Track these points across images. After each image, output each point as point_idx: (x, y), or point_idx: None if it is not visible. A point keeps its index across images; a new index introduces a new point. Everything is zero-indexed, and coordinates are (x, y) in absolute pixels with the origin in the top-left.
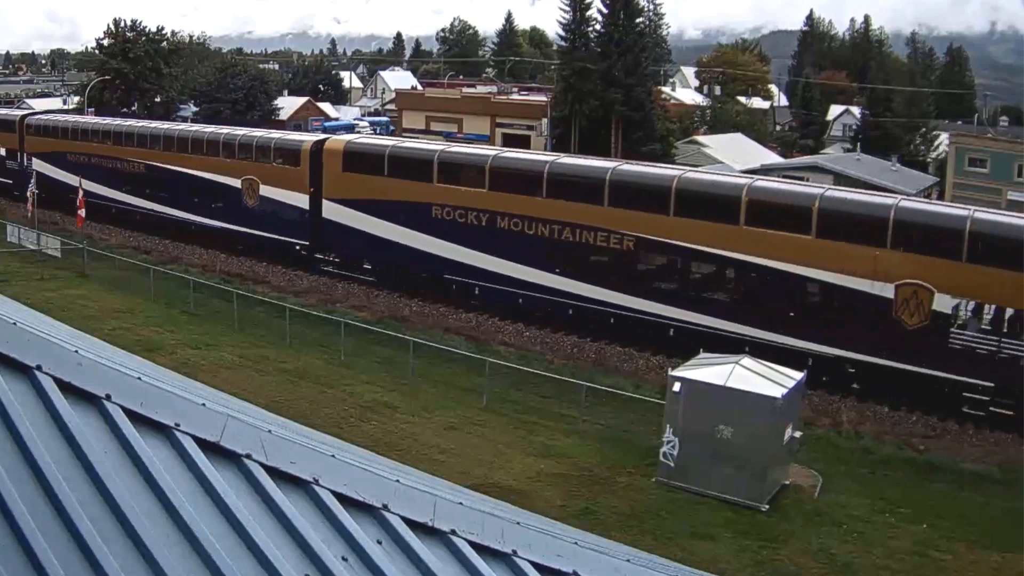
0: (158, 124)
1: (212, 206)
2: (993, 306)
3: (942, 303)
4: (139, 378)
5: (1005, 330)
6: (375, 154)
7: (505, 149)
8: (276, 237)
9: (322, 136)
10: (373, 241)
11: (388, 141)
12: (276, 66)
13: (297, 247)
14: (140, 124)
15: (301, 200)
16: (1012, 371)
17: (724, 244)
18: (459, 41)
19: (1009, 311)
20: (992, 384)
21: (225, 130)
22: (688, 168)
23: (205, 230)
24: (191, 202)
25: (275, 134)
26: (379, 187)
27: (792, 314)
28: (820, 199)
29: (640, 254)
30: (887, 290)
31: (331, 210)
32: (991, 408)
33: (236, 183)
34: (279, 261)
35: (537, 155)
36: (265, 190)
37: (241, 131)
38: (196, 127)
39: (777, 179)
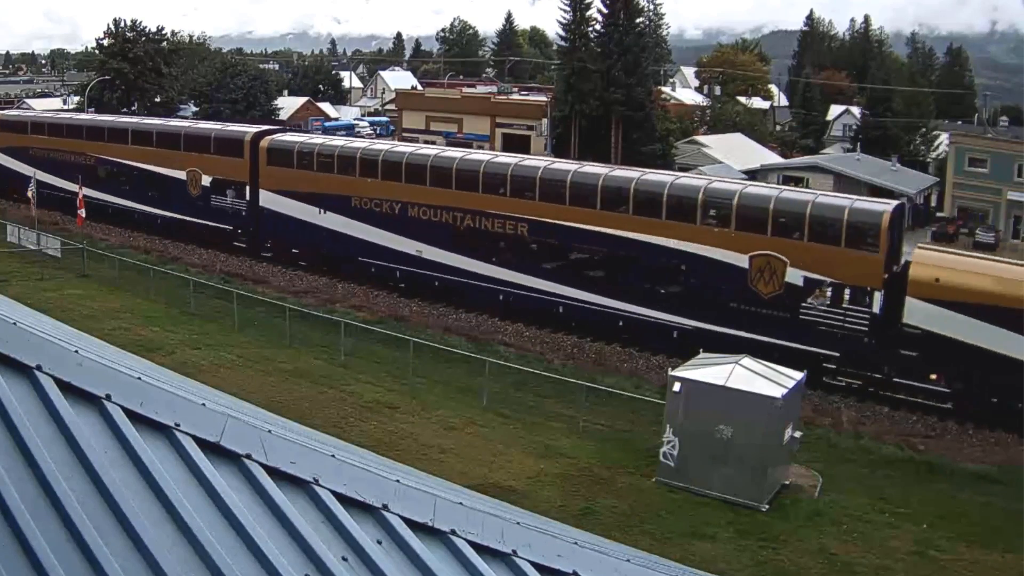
0: None
1: None
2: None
3: (206, 180)
4: (139, 378)
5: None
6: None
7: (59, 114)
8: None
9: None
10: (9, 172)
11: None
12: (276, 66)
13: None
14: None
15: None
16: (239, 220)
17: (120, 155)
18: (459, 41)
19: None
20: (231, 227)
21: None
22: (110, 118)
23: None
24: None
25: None
26: (13, 139)
27: (144, 191)
28: (158, 127)
29: (95, 167)
30: (181, 175)
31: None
32: (235, 243)
33: None
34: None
35: (51, 113)
36: None
37: None
38: None
39: (138, 118)
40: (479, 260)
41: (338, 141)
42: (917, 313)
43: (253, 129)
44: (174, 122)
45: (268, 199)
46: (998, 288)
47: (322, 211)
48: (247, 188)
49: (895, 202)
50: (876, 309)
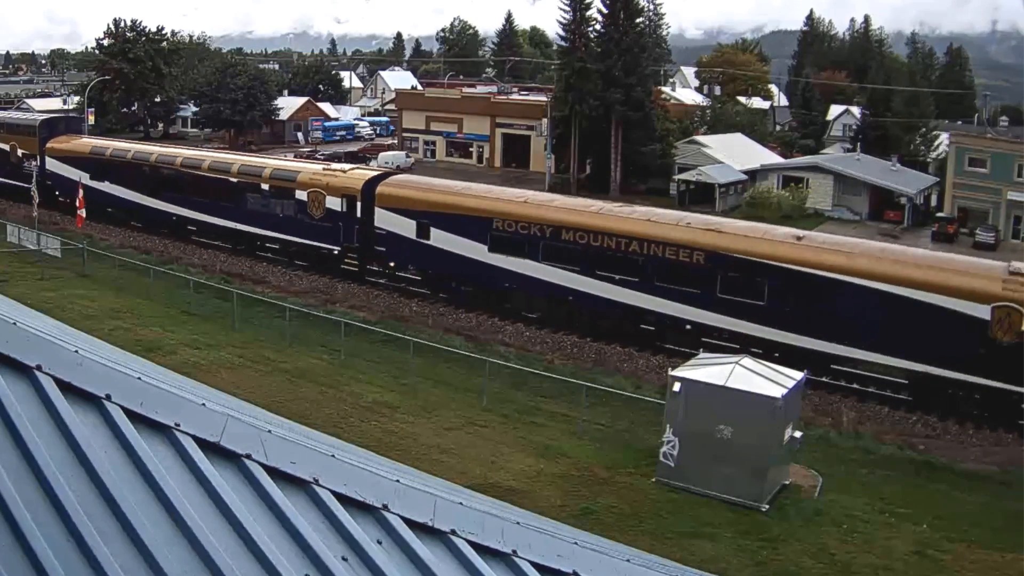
0: None
1: None
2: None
3: None
4: (139, 378)
5: None
6: None
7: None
8: None
9: None
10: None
11: None
12: (276, 66)
13: None
14: None
15: None
16: None
17: None
18: (459, 41)
19: None
20: None
21: None
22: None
23: None
24: None
25: None
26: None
27: None
28: None
29: None
30: None
31: None
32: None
33: None
34: (277, 261)
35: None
36: None
37: None
38: None
39: None
40: None
41: None
42: (52, 167)
43: None
44: None
45: None
46: None
47: None
48: None
49: (42, 116)
50: (38, 164)
